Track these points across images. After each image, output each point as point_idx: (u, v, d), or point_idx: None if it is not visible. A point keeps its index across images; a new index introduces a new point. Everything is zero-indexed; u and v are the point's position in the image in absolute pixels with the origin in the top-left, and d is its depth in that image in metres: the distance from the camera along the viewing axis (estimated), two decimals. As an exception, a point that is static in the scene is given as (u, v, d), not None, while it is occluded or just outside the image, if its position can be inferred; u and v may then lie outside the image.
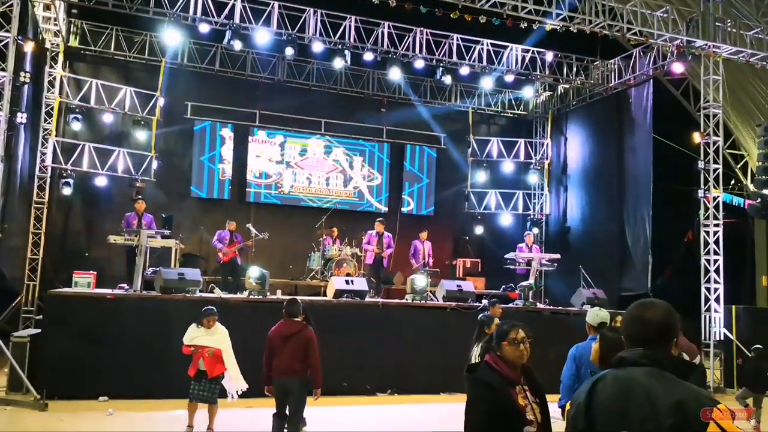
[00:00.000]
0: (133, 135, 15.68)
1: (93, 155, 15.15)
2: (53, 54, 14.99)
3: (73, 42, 15.74)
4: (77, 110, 15.26)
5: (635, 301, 2.48)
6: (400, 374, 11.84)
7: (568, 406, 2.42)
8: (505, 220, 19.22)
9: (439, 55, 16.24)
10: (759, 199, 15.00)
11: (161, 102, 15.73)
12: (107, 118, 15.68)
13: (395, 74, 16.44)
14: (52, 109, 14.89)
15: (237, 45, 14.92)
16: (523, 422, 3.54)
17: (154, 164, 15.54)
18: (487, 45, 16.54)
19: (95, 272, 12.55)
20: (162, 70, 15.95)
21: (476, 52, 16.49)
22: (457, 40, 16.31)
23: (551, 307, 14.50)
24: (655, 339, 2.33)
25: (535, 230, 17.95)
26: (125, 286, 11.60)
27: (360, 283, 12.64)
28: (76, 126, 15.35)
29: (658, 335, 2.34)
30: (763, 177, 14.70)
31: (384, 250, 14.38)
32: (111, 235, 11.91)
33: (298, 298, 9.06)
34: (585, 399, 2.31)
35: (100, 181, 15.45)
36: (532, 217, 19.30)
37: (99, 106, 15.32)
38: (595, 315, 5.92)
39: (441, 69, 16.46)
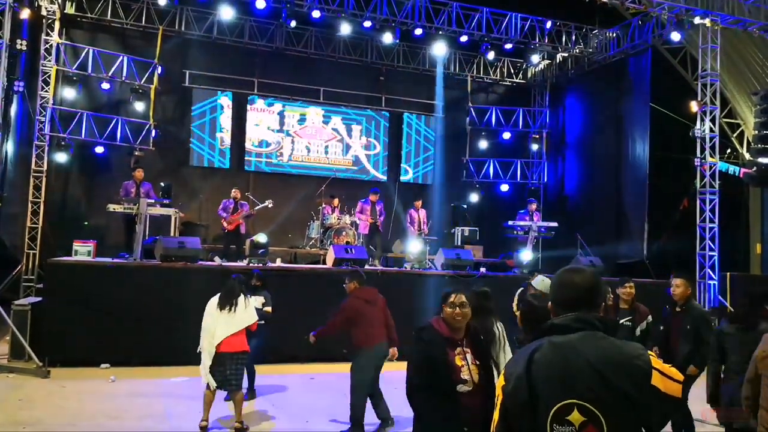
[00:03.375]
0: (131, 103, 15.65)
1: (91, 124, 15.13)
2: (50, 21, 14.89)
3: (70, 9, 15.61)
4: (75, 78, 15.22)
5: (562, 268, 2.48)
6: (399, 341, 11.95)
7: (502, 381, 2.28)
8: (504, 188, 19.28)
9: (438, 23, 16.17)
10: (755, 168, 15.06)
11: (159, 70, 15.68)
12: (105, 87, 15.63)
13: (388, 39, 16.34)
14: (49, 77, 14.82)
15: (229, 13, 14.88)
16: (455, 379, 3.75)
17: (153, 133, 15.54)
18: (487, 13, 16.46)
19: (95, 241, 12.64)
20: (160, 37, 15.86)
21: (475, 20, 16.42)
22: (456, 7, 16.23)
23: (548, 274, 14.58)
24: (586, 303, 2.32)
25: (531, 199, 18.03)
26: (125, 254, 11.67)
27: (359, 252, 12.71)
28: (73, 94, 15.31)
29: (588, 299, 2.34)
30: (759, 145, 14.73)
31: (377, 218, 14.49)
32: (110, 204, 11.94)
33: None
34: (524, 370, 2.20)
35: (99, 150, 15.46)
36: (530, 186, 19.38)
37: (96, 75, 15.27)
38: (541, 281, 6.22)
39: (428, 44, 16.41)
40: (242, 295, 7.43)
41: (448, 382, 3.75)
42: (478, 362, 3.92)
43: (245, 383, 7.74)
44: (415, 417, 3.95)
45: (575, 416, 2.10)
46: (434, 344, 3.85)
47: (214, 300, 7.37)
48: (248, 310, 7.42)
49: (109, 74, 15.28)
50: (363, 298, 7.24)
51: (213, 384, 7.11)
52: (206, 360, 7.21)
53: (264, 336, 8.28)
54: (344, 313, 7.15)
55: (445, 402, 3.73)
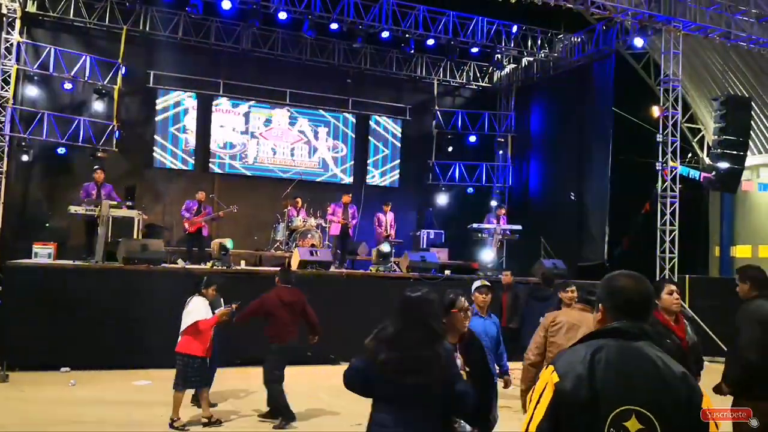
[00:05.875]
0: (94, 104, 15.45)
1: (53, 124, 14.89)
2: (10, 20, 14.63)
3: (31, 7, 15.32)
4: (36, 78, 14.98)
5: (617, 272, 2.42)
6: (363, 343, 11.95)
7: (554, 378, 2.22)
8: (469, 191, 19.38)
9: (405, 26, 16.25)
10: (714, 172, 15.38)
11: (123, 70, 15.49)
12: (67, 87, 15.39)
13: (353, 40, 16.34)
14: (9, 76, 14.57)
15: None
16: None
17: (116, 134, 15.34)
18: (453, 16, 16.57)
19: (56, 243, 12.44)
20: (123, 37, 15.66)
21: (442, 24, 16.53)
22: (423, 11, 16.31)
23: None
24: (645, 310, 2.33)
25: (493, 203, 18.19)
26: (85, 256, 11.50)
27: (324, 254, 12.72)
28: (35, 94, 15.07)
29: (647, 306, 2.34)
30: (718, 150, 15.04)
31: (350, 221, 14.43)
32: (72, 206, 11.76)
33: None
34: (587, 370, 2.17)
35: (61, 151, 15.22)
36: (495, 189, 19.53)
37: (58, 74, 15.05)
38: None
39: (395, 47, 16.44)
40: (194, 296, 7.57)
41: None
42: (467, 369, 3.90)
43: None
44: None
45: (632, 423, 2.10)
46: None
47: None
48: (186, 310, 7.47)
49: (72, 74, 15.06)
50: (280, 299, 7.62)
51: None
52: None
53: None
54: (258, 305, 7.67)
55: None
